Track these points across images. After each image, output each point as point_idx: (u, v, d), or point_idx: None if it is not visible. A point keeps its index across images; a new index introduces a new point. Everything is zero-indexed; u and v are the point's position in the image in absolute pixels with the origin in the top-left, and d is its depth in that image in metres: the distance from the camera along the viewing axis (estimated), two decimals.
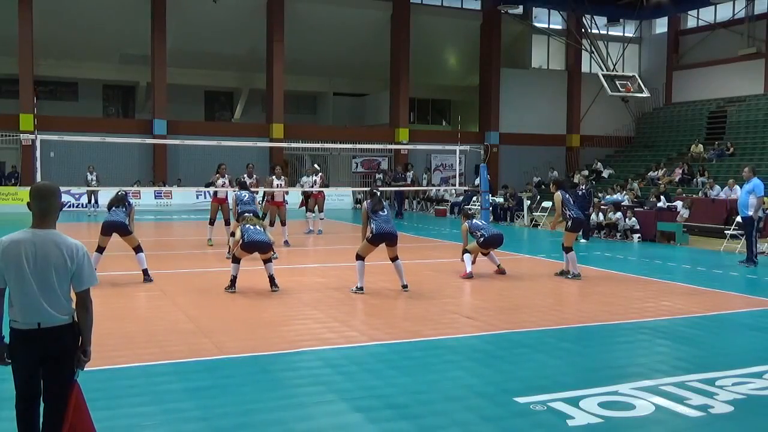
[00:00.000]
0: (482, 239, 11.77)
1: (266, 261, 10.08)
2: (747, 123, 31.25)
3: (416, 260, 14.01)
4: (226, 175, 15.45)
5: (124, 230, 10.97)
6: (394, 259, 10.24)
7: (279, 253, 13.35)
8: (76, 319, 3.90)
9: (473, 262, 11.84)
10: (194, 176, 26.18)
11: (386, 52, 33.55)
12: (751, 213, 13.22)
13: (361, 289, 10.02)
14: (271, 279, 10.06)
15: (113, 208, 11.16)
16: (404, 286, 10.24)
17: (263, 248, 10.02)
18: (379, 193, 10.63)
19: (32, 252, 3.75)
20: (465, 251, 11.93)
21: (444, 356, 6.75)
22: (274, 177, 16.09)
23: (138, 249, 10.96)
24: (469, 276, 11.45)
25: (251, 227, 10.18)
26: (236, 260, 10.06)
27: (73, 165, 25.23)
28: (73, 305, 3.90)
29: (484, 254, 12.13)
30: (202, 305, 8.98)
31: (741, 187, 14.79)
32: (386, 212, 10.30)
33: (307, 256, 14.61)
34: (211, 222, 15.64)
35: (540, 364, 6.47)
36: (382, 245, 10.15)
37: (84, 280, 3.86)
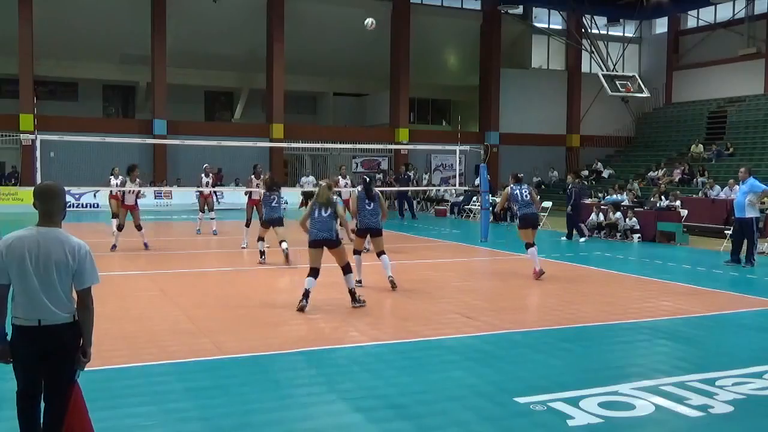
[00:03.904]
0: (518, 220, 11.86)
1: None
2: (747, 123, 31.26)
3: (416, 260, 14.01)
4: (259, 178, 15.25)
5: None
6: (380, 253, 10.21)
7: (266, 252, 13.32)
8: (77, 318, 3.91)
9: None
10: (194, 176, 26.15)
11: (386, 52, 33.55)
12: (748, 215, 13.16)
13: (359, 282, 10.13)
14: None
15: None
16: (390, 279, 10.10)
17: (329, 244, 9.05)
18: (368, 180, 10.60)
19: (35, 249, 3.78)
20: (529, 245, 11.45)
21: (444, 356, 6.75)
22: (253, 177, 16.15)
23: None
24: (540, 273, 11.26)
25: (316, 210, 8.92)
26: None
27: (74, 165, 25.23)
28: (75, 305, 3.92)
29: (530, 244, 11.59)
30: (202, 305, 8.98)
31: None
32: (372, 205, 10.20)
33: (306, 256, 14.56)
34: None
35: (540, 364, 6.47)
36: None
37: (85, 278, 3.86)
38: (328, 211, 8.85)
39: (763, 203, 17.60)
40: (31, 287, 3.77)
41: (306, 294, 8.67)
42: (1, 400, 5.16)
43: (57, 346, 3.84)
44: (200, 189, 18.41)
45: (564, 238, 18.05)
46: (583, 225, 18.34)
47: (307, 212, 9.10)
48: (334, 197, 9.26)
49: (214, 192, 19.28)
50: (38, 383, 3.91)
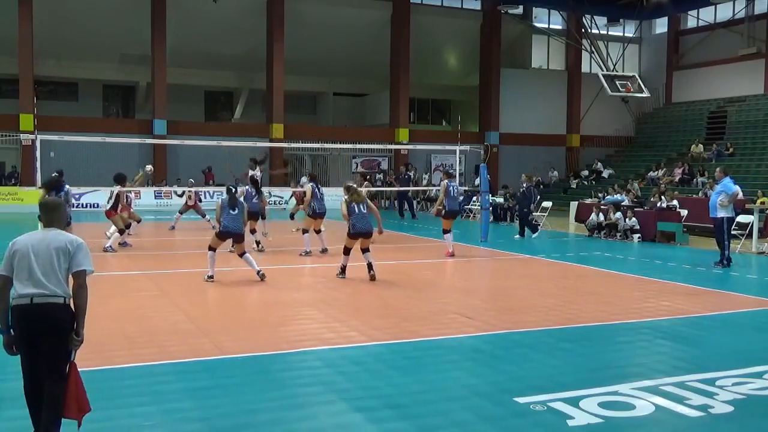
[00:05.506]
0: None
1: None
2: (747, 123, 31.25)
3: (416, 260, 14.03)
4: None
5: None
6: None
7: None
8: (70, 303, 4.24)
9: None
10: (194, 176, 26.14)
11: (386, 52, 33.54)
12: (720, 215, 13.12)
13: (211, 277, 10.43)
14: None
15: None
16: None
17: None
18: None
19: (37, 240, 4.31)
20: (447, 231, 13.87)
21: (444, 356, 6.75)
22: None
23: None
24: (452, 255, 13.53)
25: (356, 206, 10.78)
26: (346, 251, 10.94)
27: (73, 165, 25.17)
28: (70, 290, 4.25)
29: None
30: (202, 305, 8.98)
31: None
32: (363, 209, 10.89)
33: (306, 256, 14.59)
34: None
35: (540, 364, 6.47)
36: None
37: (81, 261, 4.31)
38: (366, 208, 10.79)
39: (764, 203, 17.61)
40: (30, 267, 4.20)
41: (343, 269, 10.92)
42: (1, 399, 5.16)
43: (49, 325, 4.15)
44: (195, 189, 19.55)
45: (517, 236, 18.66)
46: (534, 223, 19.24)
47: (346, 208, 10.82)
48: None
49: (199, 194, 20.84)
50: (38, 366, 4.18)
